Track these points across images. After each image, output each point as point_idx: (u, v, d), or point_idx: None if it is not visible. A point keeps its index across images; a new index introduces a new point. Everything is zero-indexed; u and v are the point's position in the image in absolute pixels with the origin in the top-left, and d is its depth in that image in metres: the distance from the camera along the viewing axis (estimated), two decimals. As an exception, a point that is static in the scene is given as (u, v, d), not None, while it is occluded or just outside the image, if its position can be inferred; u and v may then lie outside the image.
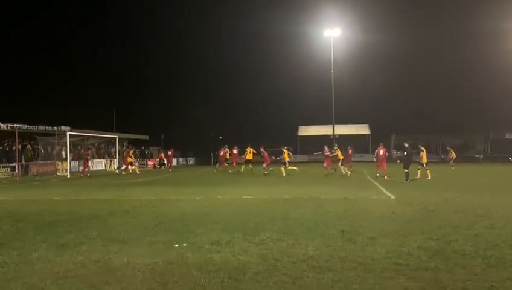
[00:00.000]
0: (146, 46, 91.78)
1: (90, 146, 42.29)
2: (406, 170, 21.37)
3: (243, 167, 33.36)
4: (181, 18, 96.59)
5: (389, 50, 68.85)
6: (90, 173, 34.42)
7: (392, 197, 14.97)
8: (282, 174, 27.65)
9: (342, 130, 62.93)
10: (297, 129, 70.28)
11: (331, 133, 60.58)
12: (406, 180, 21.00)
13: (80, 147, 41.51)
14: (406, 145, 22.53)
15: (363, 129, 66.48)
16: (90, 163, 36.64)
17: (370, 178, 24.23)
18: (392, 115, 68.46)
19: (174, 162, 55.52)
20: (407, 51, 71.09)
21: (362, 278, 5.76)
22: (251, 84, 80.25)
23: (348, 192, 16.42)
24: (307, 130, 69.84)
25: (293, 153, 34.59)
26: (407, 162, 21.83)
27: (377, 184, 19.71)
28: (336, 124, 60.26)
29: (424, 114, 68.85)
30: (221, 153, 36.13)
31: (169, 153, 42.47)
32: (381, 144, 26.10)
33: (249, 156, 33.10)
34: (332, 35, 56.88)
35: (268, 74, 79.65)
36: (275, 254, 6.98)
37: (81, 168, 35.91)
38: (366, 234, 8.39)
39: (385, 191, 16.77)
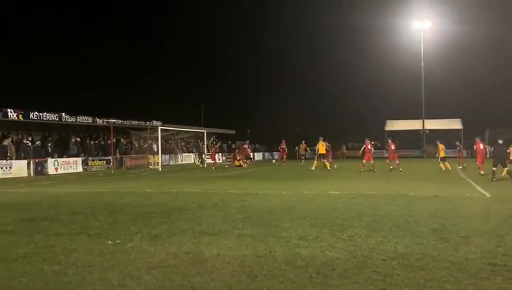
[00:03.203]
0: (230, 41, 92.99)
1: (214, 141, 43.72)
2: (494, 168, 19.95)
3: (315, 162, 31.74)
4: (264, 14, 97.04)
5: (482, 42, 65.40)
6: (216, 165, 35.36)
7: (487, 195, 14.22)
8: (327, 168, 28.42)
9: (432, 124, 60.65)
10: (384, 124, 68.62)
11: (421, 128, 58.67)
12: (494, 178, 19.61)
13: (170, 141, 43.01)
14: (500, 141, 21.14)
15: (455, 124, 63.61)
16: (217, 157, 38.21)
17: (463, 175, 23.14)
18: (486, 109, 65.04)
19: (259, 156, 56.18)
20: (501, 43, 67.21)
21: (456, 278, 5.52)
22: (338, 78, 79.26)
23: (439, 189, 15.81)
24: (395, 125, 67.92)
25: (379, 149, 33.65)
26: (496, 159, 20.35)
27: (471, 181, 18.81)
28: (425, 118, 58.27)
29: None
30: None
31: (245, 146, 42.60)
32: (479, 138, 24.48)
33: (322, 150, 30.97)
34: (422, 27, 55.02)
35: (355, 67, 78.14)
36: (363, 250, 6.86)
37: (171, 162, 37.25)
38: (460, 233, 8.02)
39: (479, 189, 15.96)
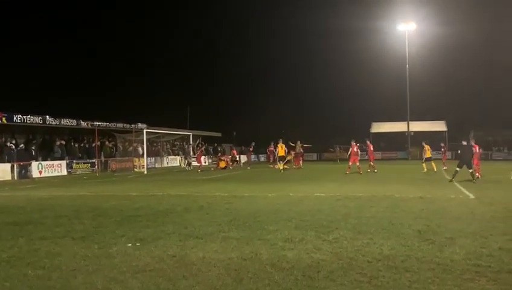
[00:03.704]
0: (217, 44, 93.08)
1: (200, 144, 43.85)
2: (457, 169, 20.04)
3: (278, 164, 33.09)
4: (252, 16, 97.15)
5: (466, 44, 65.95)
6: (202, 168, 35.47)
7: (471, 196, 14.36)
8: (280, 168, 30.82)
9: (417, 126, 61.14)
10: (370, 126, 69.00)
11: (406, 130, 59.14)
12: (453, 178, 19.66)
13: (155, 144, 42.85)
14: (464, 142, 21.20)
15: (439, 126, 64.17)
16: (202, 159, 38.46)
17: (448, 177, 23.29)
18: (470, 110, 65.66)
19: (245, 159, 56.13)
20: (485, 45, 67.87)
21: (441, 279, 5.57)
22: (324, 80, 79.55)
23: (424, 191, 15.94)
24: (381, 127, 68.36)
25: (365, 151, 33.82)
26: (461, 160, 20.42)
27: (456, 183, 18.98)
28: (410, 120, 58.73)
29: (505, 109, 65.46)
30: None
31: (250, 149, 43.29)
32: (473, 140, 24.42)
33: (281, 152, 33.19)
34: (408, 29, 55.51)
35: (341, 69, 78.43)
36: (349, 252, 6.89)
37: (156, 165, 37.10)
38: (444, 234, 8.09)
39: (464, 191, 16.11)
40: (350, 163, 27.19)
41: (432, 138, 53.65)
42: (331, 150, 55.55)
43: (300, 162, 35.92)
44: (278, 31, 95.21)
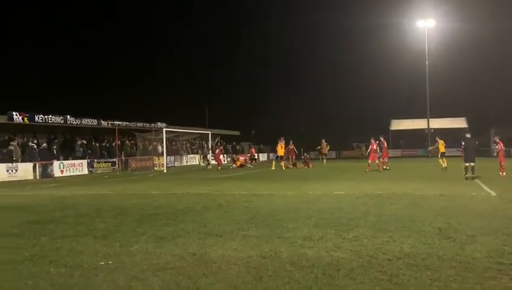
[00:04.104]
0: (235, 43, 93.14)
1: (219, 143, 43.92)
2: (466, 164, 19.54)
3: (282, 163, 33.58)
4: (270, 12, 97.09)
5: (485, 40, 65.19)
6: (221, 166, 35.71)
7: (493, 193, 14.17)
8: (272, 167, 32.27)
9: (437, 123, 60.53)
10: (389, 123, 68.49)
11: (425, 127, 58.56)
12: (466, 175, 19.30)
13: (174, 143, 43.07)
14: (468, 135, 20.78)
15: (459, 122, 63.49)
16: (222, 158, 38.52)
17: (469, 174, 22.98)
18: (491, 107, 64.78)
19: (265, 157, 56.15)
20: (505, 41, 66.86)
21: (462, 277, 5.50)
22: (342, 77, 79.19)
23: (444, 188, 15.76)
24: (400, 124, 67.87)
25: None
26: (466, 155, 19.82)
27: (477, 180, 18.76)
28: (430, 117, 58.14)
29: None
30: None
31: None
32: (498, 137, 23.96)
33: (280, 152, 33.95)
34: (427, 25, 54.95)
35: (360, 67, 78.09)
36: (369, 250, 6.85)
37: (176, 163, 37.34)
38: (466, 232, 8.00)
39: (485, 188, 15.89)
40: (369, 161, 27.03)
41: (452, 134, 53.13)
42: (357, 149, 55.07)
43: (324, 160, 36.40)
44: (297, 29, 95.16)
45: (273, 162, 34.59)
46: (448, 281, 5.39)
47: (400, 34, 63.42)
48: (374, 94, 75.37)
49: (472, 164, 19.42)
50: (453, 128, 60.67)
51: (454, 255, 6.48)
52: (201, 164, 41.60)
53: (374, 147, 27.10)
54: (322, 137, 39.46)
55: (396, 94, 70.98)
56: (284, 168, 31.73)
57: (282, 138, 34.09)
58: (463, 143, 20.43)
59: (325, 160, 38.82)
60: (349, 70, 79.40)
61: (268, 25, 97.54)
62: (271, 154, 59.44)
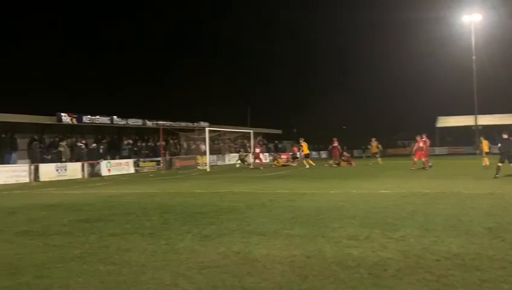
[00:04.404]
0: (278, 39, 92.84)
1: (261, 141, 44.21)
2: (499, 164, 18.89)
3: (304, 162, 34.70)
4: (311, 11, 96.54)
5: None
6: (264, 165, 36.41)
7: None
8: (306, 166, 33.14)
9: (486, 120, 58.76)
10: (436, 120, 67.03)
11: (473, 124, 57.06)
12: (497, 175, 18.58)
13: (216, 142, 43.40)
14: (505, 135, 19.79)
15: (509, 119, 61.54)
16: (262, 157, 39.15)
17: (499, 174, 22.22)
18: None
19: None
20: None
21: (514, 278, 5.34)
22: (387, 73, 78.00)
23: (493, 187, 15.32)
24: (447, 121, 66.32)
25: (431, 146, 32.90)
26: (502, 155, 19.22)
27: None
28: (479, 114, 56.62)
29: None
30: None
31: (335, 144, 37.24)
32: None
33: (305, 151, 35.30)
34: (473, 20, 53.54)
35: (404, 63, 76.67)
36: (416, 250, 6.71)
37: (219, 162, 37.69)
38: (517, 232, 7.76)
39: (537, 186, 15.38)
40: (415, 159, 26.55)
41: (503, 131, 51.50)
42: (407, 148, 54.04)
43: (379, 159, 36.11)
44: (341, 24, 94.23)
45: (304, 161, 34.87)
46: (499, 281, 5.23)
47: (445, 29, 61.91)
48: (421, 91, 73.88)
49: (500, 164, 18.89)
50: (503, 125, 58.84)
51: (504, 255, 6.28)
52: (237, 165, 40.36)
53: (420, 144, 26.60)
54: (370, 136, 38.69)
55: (444, 91, 69.33)
56: (331, 166, 31.73)
57: (302, 139, 35.64)
58: (499, 144, 19.90)
59: (379, 159, 36.49)
60: (394, 67, 78.12)
61: (312, 19, 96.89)
62: (313, 153, 59.32)
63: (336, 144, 35.20)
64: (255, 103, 73.31)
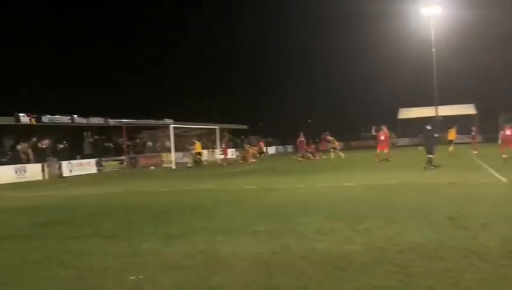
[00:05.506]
0: (238, 32, 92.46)
1: (226, 137, 44.07)
2: (430, 155, 18.88)
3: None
4: (269, 4, 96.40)
5: (492, 25, 64.28)
6: (228, 161, 36.53)
7: (504, 179, 14.02)
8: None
9: (446, 111, 60.07)
10: (397, 112, 68.14)
11: (434, 115, 58.22)
12: (427, 166, 18.70)
13: (182, 138, 43.07)
14: (428, 127, 20.15)
15: (468, 109, 63.08)
16: (229, 152, 39.77)
17: (479, 161, 22.86)
18: (499, 93, 64.15)
19: (273, 150, 56.11)
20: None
21: (476, 267, 5.41)
22: (348, 67, 78.55)
23: (454, 176, 15.63)
24: (408, 113, 67.57)
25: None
26: (429, 145, 19.32)
27: (487, 166, 18.58)
28: (438, 105, 57.82)
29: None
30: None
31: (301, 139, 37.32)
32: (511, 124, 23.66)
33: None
34: (432, 13, 54.52)
35: (365, 55, 77.27)
36: (380, 242, 6.76)
37: (184, 159, 37.40)
38: (478, 220, 7.88)
39: (495, 174, 15.75)
40: (378, 150, 26.85)
41: (461, 122, 52.75)
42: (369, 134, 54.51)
43: (339, 153, 36.24)
44: (297, 17, 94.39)
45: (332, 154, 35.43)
46: (462, 271, 5.30)
47: (405, 21, 62.68)
48: (381, 83, 74.78)
49: (431, 156, 18.87)
50: (462, 115, 60.24)
51: (467, 245, 6.38)
52: (210, 159, 40.38)
53: (381, 137, 26.83)
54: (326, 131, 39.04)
55: (404, 82, 70.36)
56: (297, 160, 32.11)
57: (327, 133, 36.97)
58: (420, 135, 20.00)
59: (339, 152, 36.26)
60: (355, 59, 78.67)
61: (272, 12, 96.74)
62: (279, 147, 59.67)
63: (302, 138, 35.32)
64: (220, 100, 72.97)
